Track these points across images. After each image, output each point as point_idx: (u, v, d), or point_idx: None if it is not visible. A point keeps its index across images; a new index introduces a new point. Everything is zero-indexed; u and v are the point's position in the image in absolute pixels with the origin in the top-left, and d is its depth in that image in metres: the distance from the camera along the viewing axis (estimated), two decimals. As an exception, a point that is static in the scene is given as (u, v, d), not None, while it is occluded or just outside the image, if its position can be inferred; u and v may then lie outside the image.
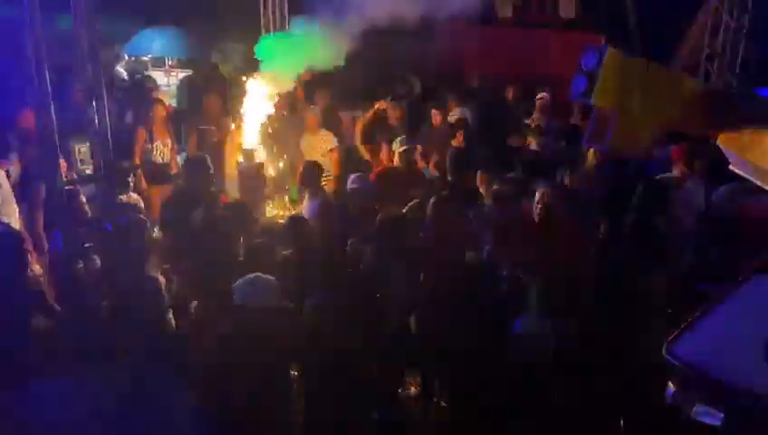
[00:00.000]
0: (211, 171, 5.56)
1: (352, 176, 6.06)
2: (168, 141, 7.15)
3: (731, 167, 4.75)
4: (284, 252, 4.83)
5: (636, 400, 3.25)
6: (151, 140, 7.01)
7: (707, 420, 3.13)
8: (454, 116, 7.83)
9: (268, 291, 3.76)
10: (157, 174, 6.99)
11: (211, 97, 7.74)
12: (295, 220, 5.05)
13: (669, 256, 4.99)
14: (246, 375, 3.54)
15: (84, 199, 5.17)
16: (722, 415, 3.09)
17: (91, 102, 4.92)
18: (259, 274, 3.83)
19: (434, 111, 7.89)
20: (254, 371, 3.54)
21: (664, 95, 4.22)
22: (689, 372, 3.36)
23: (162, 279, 4.42)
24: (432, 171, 6.87)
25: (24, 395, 3.38)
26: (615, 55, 4.09)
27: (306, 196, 5.90)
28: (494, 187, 5.41)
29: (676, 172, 5.70)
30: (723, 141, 4.53)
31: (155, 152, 7.03)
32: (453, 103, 8.24)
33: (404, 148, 6.46)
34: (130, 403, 3.47)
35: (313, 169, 6.02)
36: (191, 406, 3.57)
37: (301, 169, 6.13)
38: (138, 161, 6.88)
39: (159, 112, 7.16)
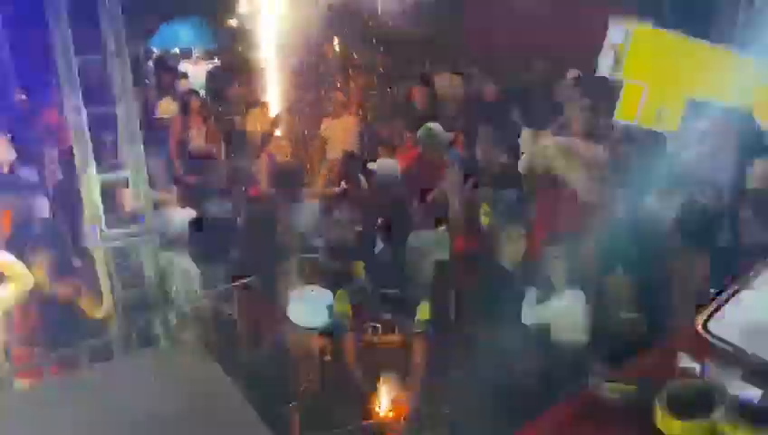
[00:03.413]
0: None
1: (378, 162, 6.04)
2: (204, 130, 7.22)
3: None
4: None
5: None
6: (186, 129, 7.09)
7: (745, 398, 3.06)
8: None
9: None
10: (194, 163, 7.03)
11: (234, 86, 7.74)
12: None
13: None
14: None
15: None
16: (760, 392, 3.02)
17: (120, 99, 4.97)
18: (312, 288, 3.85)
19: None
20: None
21: (694, 67, 4.11)
22: (726, 350, 3.31)
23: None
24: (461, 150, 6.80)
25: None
26: (644, 28, 3.99)
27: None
28: None
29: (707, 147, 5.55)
30: (756, 111, 4.41)
31: (191, 141, 7.11)
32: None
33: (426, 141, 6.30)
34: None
35: (353, 161, 6.05)
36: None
37: (339, 158, 6.12)
38: (174, 150, 6.96)
39: (195, 103, 7.23)
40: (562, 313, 4.26)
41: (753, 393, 3.00)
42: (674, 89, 4.05)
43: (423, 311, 3.94)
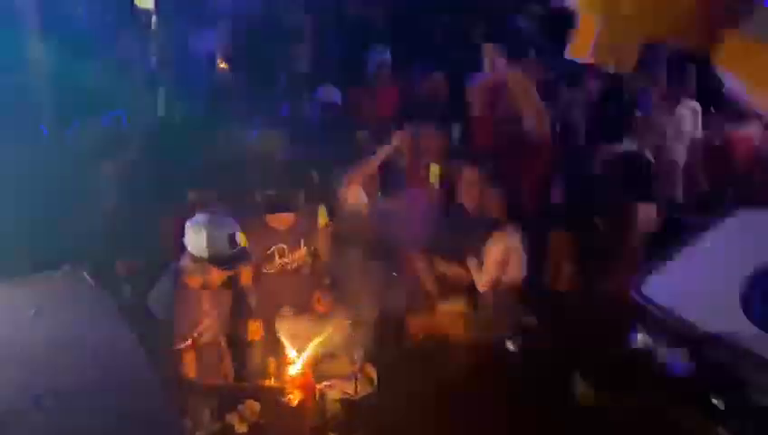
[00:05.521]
0: None
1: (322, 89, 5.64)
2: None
3: (725, 89, 4.30)
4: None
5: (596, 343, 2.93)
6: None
7: (675, 366, 2.85)
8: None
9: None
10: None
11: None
12: None
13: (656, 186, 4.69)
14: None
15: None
16: (690, 361, 2.80)
17: None
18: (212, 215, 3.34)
19: None
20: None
21: (656, 1, 3.70)
22: (658, 314, 3.05)
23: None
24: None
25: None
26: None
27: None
28: None
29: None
30: (720, 60, 4.04)
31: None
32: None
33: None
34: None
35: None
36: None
37: None
38: None
39: None
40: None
41: (682, 363, 2.78)
42: (633, 25, 3.64)
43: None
